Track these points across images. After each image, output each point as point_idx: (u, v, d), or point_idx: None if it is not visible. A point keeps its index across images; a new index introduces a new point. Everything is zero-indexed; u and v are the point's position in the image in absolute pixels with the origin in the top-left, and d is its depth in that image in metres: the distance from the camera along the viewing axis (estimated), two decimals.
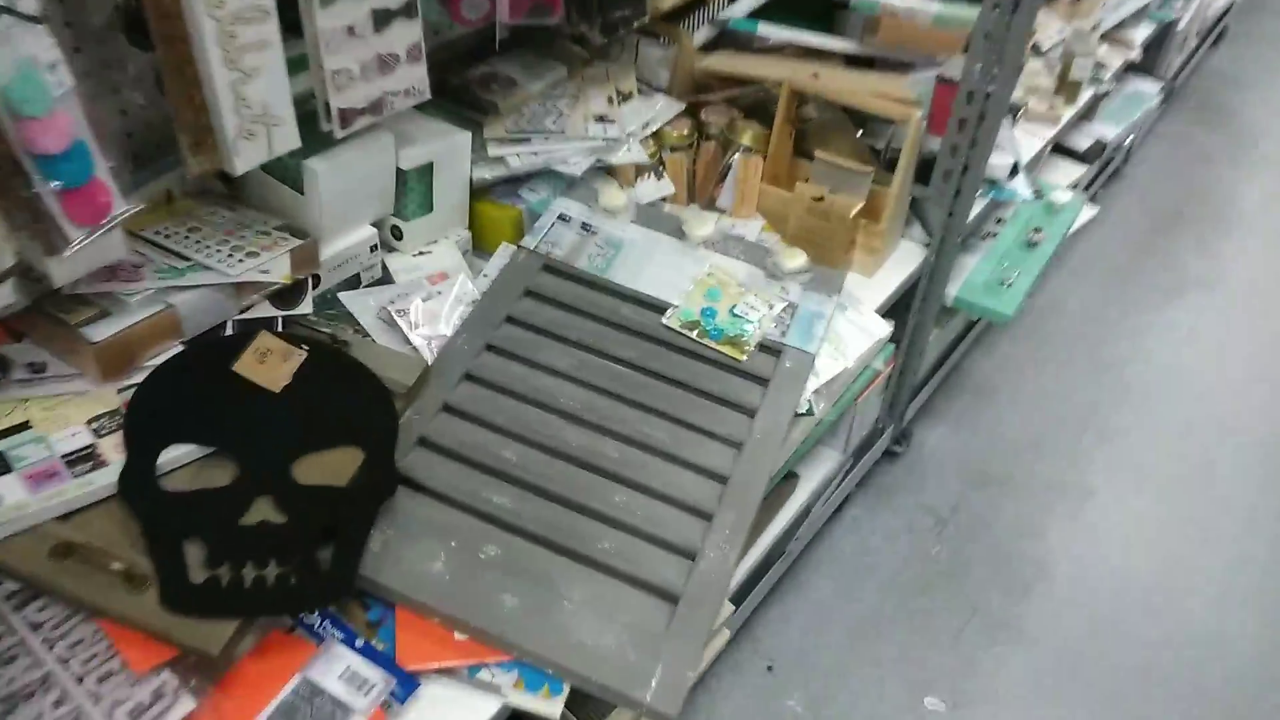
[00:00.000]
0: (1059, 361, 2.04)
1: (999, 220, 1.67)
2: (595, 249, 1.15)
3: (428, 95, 1.05)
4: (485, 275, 1.17)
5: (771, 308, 1.10)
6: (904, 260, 1.34)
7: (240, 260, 0.94)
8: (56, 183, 0.72)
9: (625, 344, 1.06)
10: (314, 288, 1.06)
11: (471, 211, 1.23)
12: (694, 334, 1.06)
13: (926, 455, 1.81)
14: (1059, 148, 2.02)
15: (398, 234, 1.16)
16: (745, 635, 1.46)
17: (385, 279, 1.14)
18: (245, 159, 0.87)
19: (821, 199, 1.22)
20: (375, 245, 1.11)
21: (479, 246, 1.25)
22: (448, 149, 1.14)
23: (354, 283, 1.11)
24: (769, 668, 1.43)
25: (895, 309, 1.33)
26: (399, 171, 1.10)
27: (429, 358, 1.02)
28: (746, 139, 1.31)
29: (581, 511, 0.90)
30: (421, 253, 1.17)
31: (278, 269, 0.94)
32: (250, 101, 0.85)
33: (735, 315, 1.09)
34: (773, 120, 1.29)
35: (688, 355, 1.05)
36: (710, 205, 1.34)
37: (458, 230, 1.21)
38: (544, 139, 1.21)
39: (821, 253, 1.25)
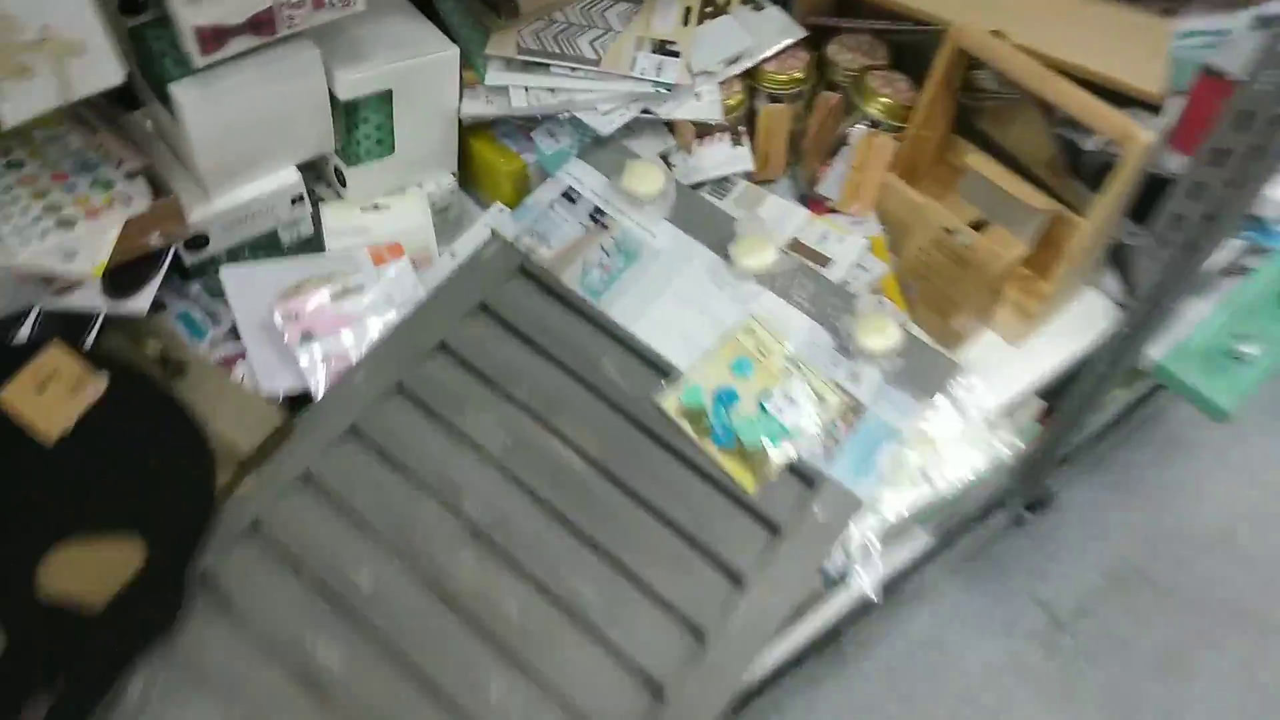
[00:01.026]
0: None
1: (1261, 250, 1.19)
2: (600, 254, 0.83)
3: (359, 5, 0.73)
4: (452, 254, 0.88)
5: (823, 405, 0.77)
6: (1079, 323, 0.94)
7: (45, 232, 0.69)
8: None
9: (590, 420, 0.76)
10: (200, 248, 0.81)
11: (465, 148, 0.93)
12: (693, 429, 0.75)
13: (1068, 524, 1.44)
14: None
15: (342, 179, 0.87)
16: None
17: (315, 241, 0.88)
18: (16, 106, 0.60)
19: (955, 233, 0.83)
20: (300, 196, 0.84)
21: (475, 189, 0.96)
22: (419, 71, 0.83)
23: (267, 245, 0.85)
24: None
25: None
26: (338, 101, 0.81)
27: (319, 387, 0.76)
28: (876, 108, 0.92)
29: (433, 697, 0.65)
30: (376, 206, 0.89)
31: (90, 252, 0.69)
32: (16, 20, 0.57)
33: (765, 412, 0.76)
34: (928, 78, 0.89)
35: (675, 459, 0.75)
36: (810, 188, 0.97)
37: (437, 176, 0.92)
38: (570, 70, 0.87)
39: (941, 308, 0.88)
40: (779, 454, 0.74)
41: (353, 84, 0.79)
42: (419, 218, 0.89)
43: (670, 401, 0.76)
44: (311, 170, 0.87)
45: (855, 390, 0.78)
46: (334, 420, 0.74)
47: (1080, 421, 1.13)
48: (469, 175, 0.95)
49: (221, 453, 0.68)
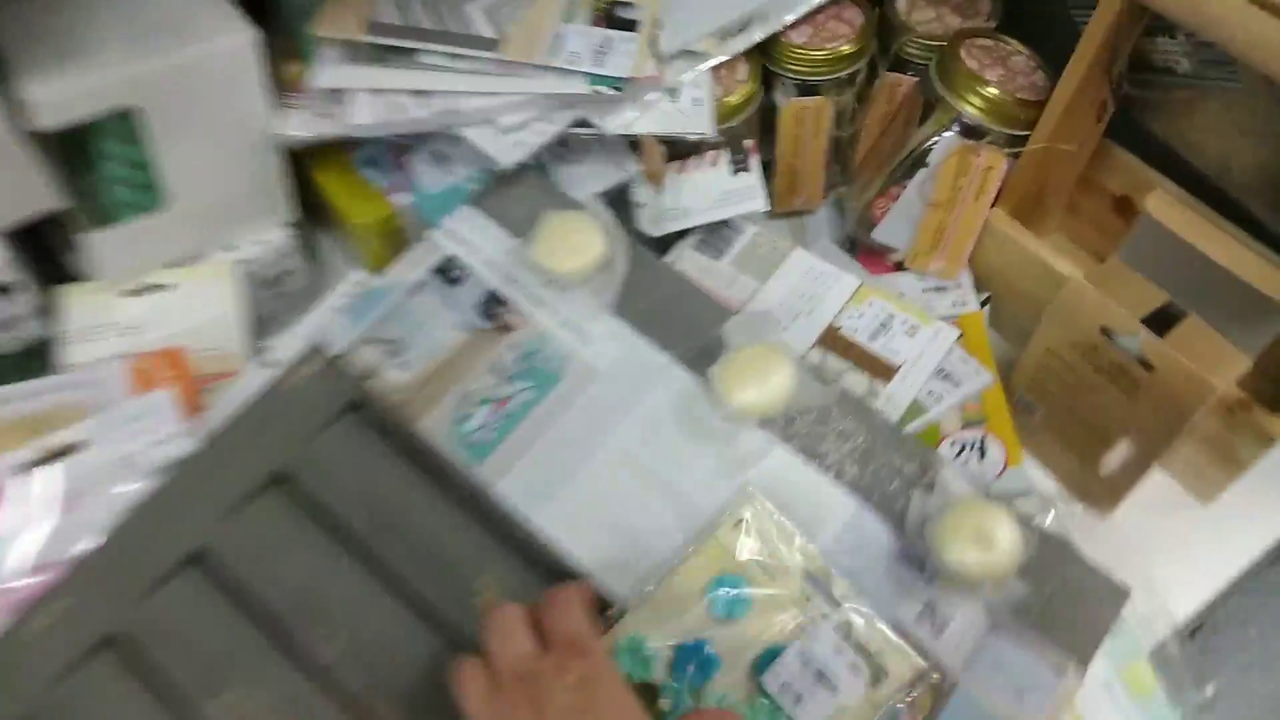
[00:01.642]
0: None
1: None
2: (492, 379, 0.50)
3: None
4: (272, 364, 0.56)
5: (876, 676, 0.43)
6: None
7: None
8: None
9: (444, 708, 0.43)
10: None
11: (307, 184, 0.60)
12: None
13: (1220, 648, 1.08)
14: None
15: (82, 250, 0.55)
16: None
17: (37, 353, 0.56)
18: None
19: (1121, 336, 0.48)
20: (3, 286, 0.52)
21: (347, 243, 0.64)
22: (186, 73, 0.50)
23: None
24: None
25: None
26: (39, 135, 0.48)
27: None
28: (977, 102, 0.56)
29: None
30: (151, 287, 0.57)
31: None
32: None
33: (765, 695, 0.42)
34: (1063, 58, 0.52)
35: None
36: (863, 230, 0.62)
37: (257, 232, 0.59)
38: (451, 59, 0.54)
39: (1083, 444, 0.52)
40: None
41: (58, 104, 0.47)
42: (219, 303, 0.57)
43: None
44: (58, 232, 0.56)
45: (936, 645, 0.43)
46: None
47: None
48: (329, 220, 0.63)
49: None
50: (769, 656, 0.43)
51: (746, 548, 0.45)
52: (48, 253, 0.58)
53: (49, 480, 0.49)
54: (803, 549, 0.45)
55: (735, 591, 0.44)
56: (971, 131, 0.56)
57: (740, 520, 0.45)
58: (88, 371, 0.54)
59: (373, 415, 0.49)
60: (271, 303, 0.61)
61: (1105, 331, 0.48)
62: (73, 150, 0.51)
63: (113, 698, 0.44)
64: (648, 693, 0.42)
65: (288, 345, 0.56)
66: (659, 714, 0.42)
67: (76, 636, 0.44)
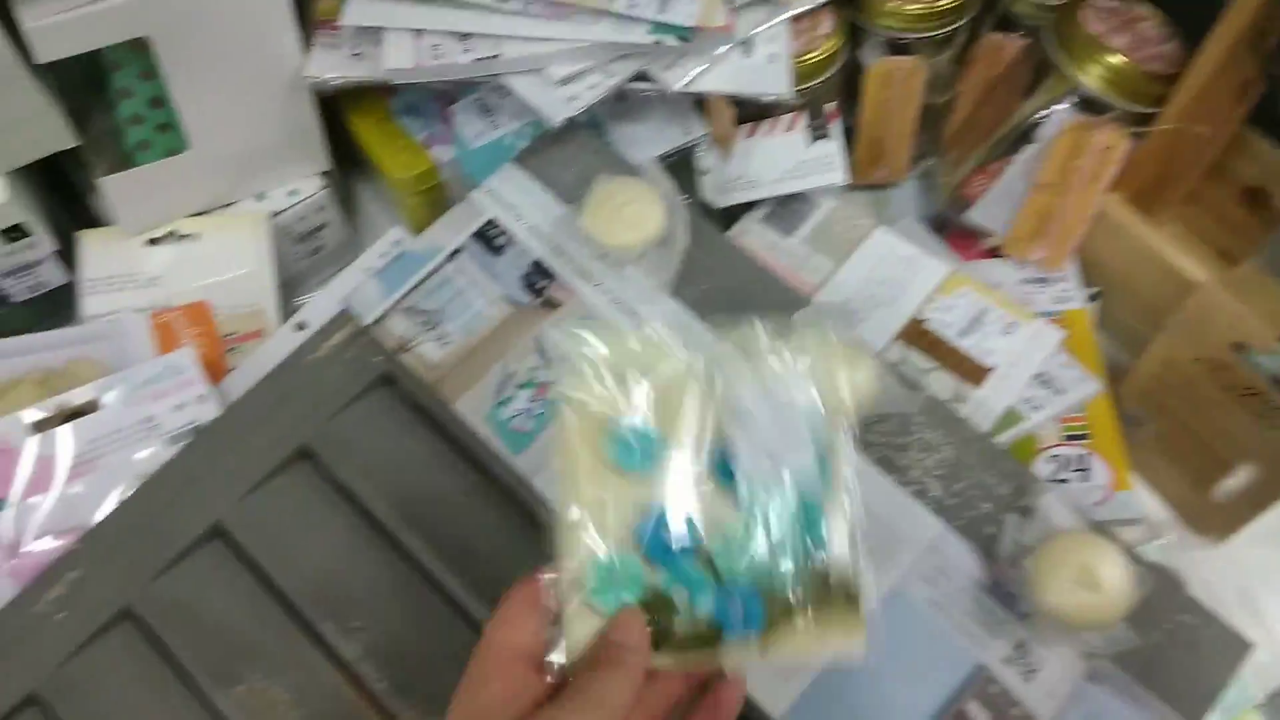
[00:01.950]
0: None
1: None
2: (534, 358, 0.46)
3: None
4: (303, 326, 0.52)
5: None
6: None
7: None
8: None
9: None
10: None
11: (349, 129, 0.56)
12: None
13: None
14: None
15: (102, 197, 0.52)
16: None
17: (62, 301, 0.53)
18: None
19: (1255, 353, 0.42)
20: (16, 227, 0.49)
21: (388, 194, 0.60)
22: (196, 1, 0.46)
23: None
24: None
25: None
26: (51, 69, 0.44)
27: None
28: (1098, 73, 0.50)
29: None
30: (173, 236, 0.53)
31: None
32: None
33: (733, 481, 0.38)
34: (1202, 27, 0.46)
35: None
36: (954, 209, 0.56)
37: (290, 180, 0.55)
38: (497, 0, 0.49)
39: (1198, 465, 0.47)
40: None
41: (55, 34, 0.43)
42: (248, 256, 0.53)
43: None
44: (82, 174, 0.53)
45: (1024, 692, 0.39)
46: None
47: None
48: (372, 172, 0.58)
49: None
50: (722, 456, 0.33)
51: (601, 389, 0.33)
52: (73, 195, 0.54)
53: (62, 441, 0.45)
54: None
55: (632, 435, 0.33)
56: (1090, 105, 0.50)
57: (579, 373, 0.33)
58: (106, 324, 0.50)
59: (405, 391, 0.45)
60: (306, 259, 0.58)
61: (1238, 347, 0.42)
62: (90, 86, 0.47)
63: (130, 674, 0.41)
64: (662, 606, 0.31)
65: (321, 307, 0.52)
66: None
67: (90, 610, 0.41)
